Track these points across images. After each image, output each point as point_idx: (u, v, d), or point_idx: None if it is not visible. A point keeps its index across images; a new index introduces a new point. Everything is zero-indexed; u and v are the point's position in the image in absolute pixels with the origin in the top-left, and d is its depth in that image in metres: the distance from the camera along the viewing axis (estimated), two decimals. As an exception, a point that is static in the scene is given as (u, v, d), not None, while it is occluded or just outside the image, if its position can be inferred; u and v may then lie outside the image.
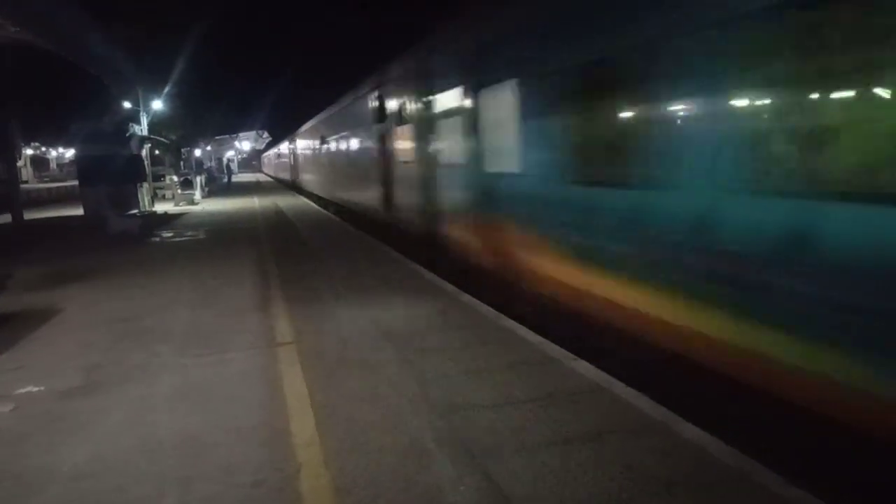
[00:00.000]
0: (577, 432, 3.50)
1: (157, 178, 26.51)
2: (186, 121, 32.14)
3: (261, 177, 62.26)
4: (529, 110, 5.85)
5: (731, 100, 3.55)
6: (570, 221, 5.26)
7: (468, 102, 7.32)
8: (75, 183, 24.14)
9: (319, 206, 21.72)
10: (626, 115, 4.64)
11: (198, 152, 45.31)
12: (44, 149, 74.81)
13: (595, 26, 4.84)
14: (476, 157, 7.16)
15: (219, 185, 38.17)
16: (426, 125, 9.06)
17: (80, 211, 17.66)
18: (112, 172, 16.99)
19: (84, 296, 7.80)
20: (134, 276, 9.09)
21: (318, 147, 22.88)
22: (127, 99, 23.09)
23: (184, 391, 4.41)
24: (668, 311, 4.08)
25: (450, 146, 8.19)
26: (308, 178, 28.28)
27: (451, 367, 4.63)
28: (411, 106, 9.83)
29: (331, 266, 9.20)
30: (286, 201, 24.31)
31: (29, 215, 17.54)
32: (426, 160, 9.16)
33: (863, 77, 2.85)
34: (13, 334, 6.05)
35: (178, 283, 8.41)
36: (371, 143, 13.08)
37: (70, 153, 58.88)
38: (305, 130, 27.92)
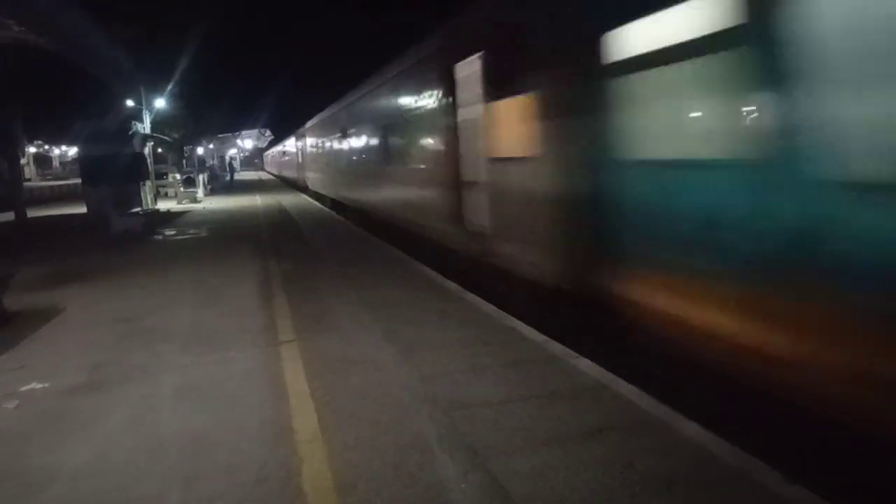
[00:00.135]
0: (579, 430, 3.50)
1: (160, 176, 26.61)
2: (189, 119, 32.16)
3: (263, 175, 62.28)
4: None
5: None
6: None
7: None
8: (78, 181, 24.22)
9: (340, 214, 17.70)
10: None
11: (200, 150, 45.35)
12: (47, 147, 74.98)
13: None
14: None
15: (221, 184, 38.27)
16: (590, 89, 4.67)
17: (82, 209, 17.69)
18: (115, 171, 17.01)
19: (86, 295, 7.83)
20: (136, 275, 9.12)
21: (336, 141, 18.53)
22: (130, 97, 23.12)
23: (186, 390, 4.43)
24: None
25: (674, 121, 4.03)
26: (322, 179, 23.24)
27: (454, 365, 4.64)
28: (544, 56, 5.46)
29: (332, 265, 9.21)
30: (289, 200, 24.34)
31: (32, 213, 17.59)
32: (578, 152, 4.94)
33: None
34: (16, 333, 6.08)
35: (181, 282, 8.43)
36: (432, 131, 8.82)
37: (73, 151, 58.99)
38: (319, 122, 22.91)
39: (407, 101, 10.25)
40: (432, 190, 8.85)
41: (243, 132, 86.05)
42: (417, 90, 9.52)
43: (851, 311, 2.77)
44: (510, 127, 6.17)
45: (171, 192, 26.44)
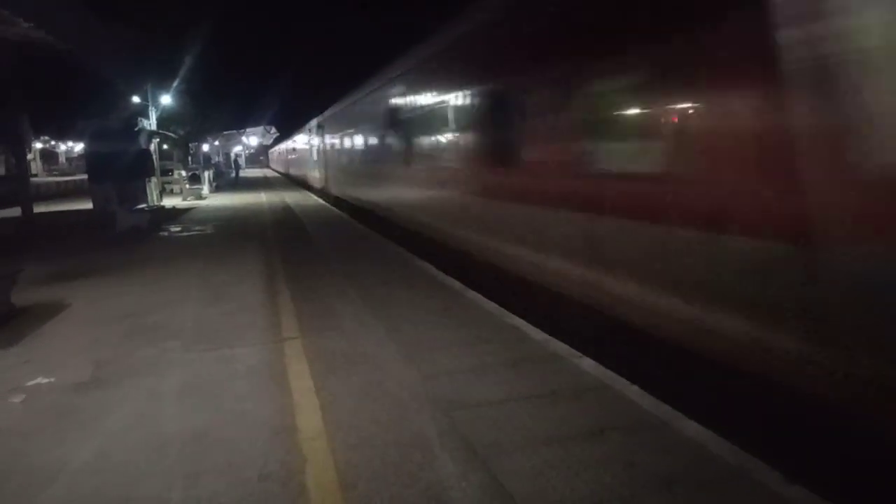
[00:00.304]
0: (580, 429, 3.52)
1: (165, 172, 26.66)
2: (194, 116, 32.29)
3: (268, 172, 62.39)
4: None
5: None
6: None
7: None
8: (84, 177, 24.28)
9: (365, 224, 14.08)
10: None
11: (205, 147, 45.47)
12: (53, 142, 75.29)
13: None
14: None
15: (226, 180, 38.33)
16: None
17: (88, 205, 17.77)
18: (120, 167, 17.05)
19: (91, 291, 7.87)
20: (141, 272, 9.16)
21: (378, 131, 12.91)
22: (136, 94, 23.20)
23: (190, 387, 4.45)
24: None
25: None
26: (355, 183, 16.77)
27: (456, 364, 4.65)
28: None
29: (335, 262, 9.24)
30: (294, 197, 24.37)
31: (38, 209, 17.65)
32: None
33: None
34: (22, 328, 6.12)
35: (185, 279, 8.47)
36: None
37: (79, 147, 59.21)
38: (349, 107, 16.56)
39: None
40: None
41: (248, 129, 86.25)
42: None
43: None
44: None
45: (176, 188, 26.53)
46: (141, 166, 19.06)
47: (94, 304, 7.18)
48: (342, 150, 18.79)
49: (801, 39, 3.02)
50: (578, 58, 5.08)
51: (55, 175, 58.54)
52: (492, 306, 6.27)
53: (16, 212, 14.64)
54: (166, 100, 25.12)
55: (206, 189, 26.57)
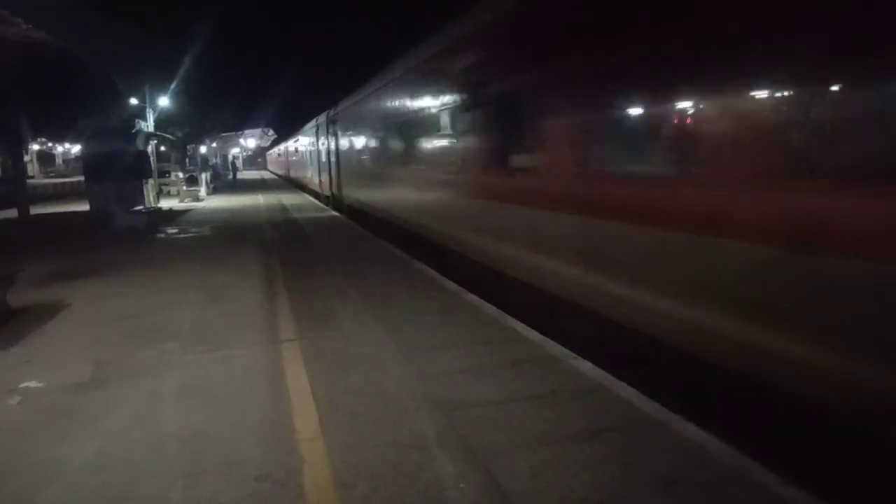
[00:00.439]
0: (578, 430, 3.52)
1: (163, 174, 26.62)
2: (192, 118, 32.21)
3: (266, 174, 62.36)
4: None
5: None
6: None
7: None
8: (81, 178, 24.26)
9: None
10: None
11: (203, 149, 45.44)
12: (50, 144, 75.11)
13: None
14: None
15: (224, 182, 38.32)
16: None
17: (85, 207, 17.74)
18: (118, 169, 17.04)
19: (90, 292, 7.86)
20: (139, 273, 9.15)
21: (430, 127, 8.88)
22: (133, 96, 23.17)
23: (188, 387, 4.45)
24: None
25: None
26: (387, 193, 12.36)
27: (454, 365, 4.66)
28: None
29: (333, 263, 9.24)
30: (291, 199, 24.38)
31: (35, 210, 17.63)
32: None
33: None
34: (21, 329, 6.11)
35: (184, 280, 8.46)
36: None
37: (76, 149, 59.10)
38: (381, 92, 12.06)
39: None
40: None
41: (246, 131, 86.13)
42: None
43: None
44: None
45: (173, 190, 26.48)
46: (138, 168, 19.04)
47: (92, 305, 7.17)
48: (365, 150, 14.21)
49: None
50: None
51: (52, 177, 58.36)
52: (490, 308, 6.27)
53: (12, 213, 14.63)
54: (164, 101, 25.08)
55: (203, 191, 26.53)
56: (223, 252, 11.04)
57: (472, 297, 6.77)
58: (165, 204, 22.26)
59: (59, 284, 8.25)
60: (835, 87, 3.01)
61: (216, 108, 37.65)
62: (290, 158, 39.37)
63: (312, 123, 24.47)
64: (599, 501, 2.83)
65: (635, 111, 4.52)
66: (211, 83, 32.20)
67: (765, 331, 3.30)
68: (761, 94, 3.37)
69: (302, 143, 30.11)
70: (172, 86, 25.46)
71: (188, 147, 35.59)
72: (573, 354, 4.79)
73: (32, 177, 50.05)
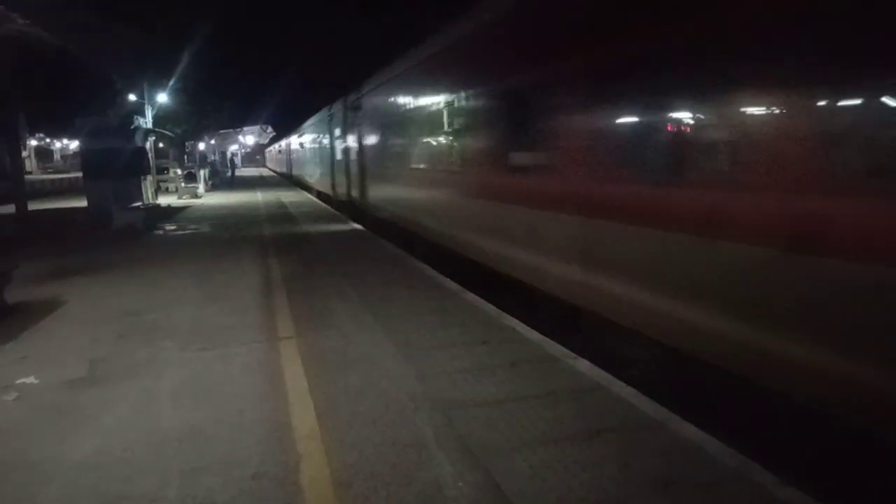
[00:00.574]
0: (577, 430, 3.52)
1: (161, 171, 26.58)
2: (191, 115, 32.14)
3: (265, 171, 62.29)
4: None
5: None
6: None
7: None
8: (79, 174, 24.17)
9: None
10: None
11: (202, 146, 45.35)
12: (48, 140, 74.99)
13: None
14: None
15: (222, 179, 38.27)
16: None
17: (83, 203, 17.69)
18: (116, 165, 16.99)
19: (87, 289, 7.84)
20: (137, 270, 9.13)
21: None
22: (132, 92, 23.14)
23: (186, 385, 4.44)
24: None
25: None
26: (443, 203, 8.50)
27: (453, 364, 4.65)
28: None
29: (332, 262, 9.23)
30: (289, 196, 24.35)
31: (33, 207, 17.57)
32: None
33: None
34: (17, 326, 6.09)
35: (181, 278, 8.44)
36: None
37: (74, 145, 58.96)
38: (429, 63, 8.82)
39: None
40: None
41: (245, 128, 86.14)
42: None
43: None
44: None
45: (172, 187, 26.44)
46: (136, 164, 19.00)
47: (90, 302, 7.14)
48: (414, 144, 10.10)
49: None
50: None
51: (50, 173, 58.24)
52: (489, 307, 6.27)
53: (10, 209, 14.59)
54: (163, 98, 25.04)
55: (201, 188, 26.53)
56: (222, 249, 11.01)
57: (471, 296, 6.76)
58: (164, 201, 22.23)
59: (56, 281, 8.23)
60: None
61: (215, 106, 37.51)
62: (291, 156, 36.16)
63: (324, 114, 20.96)
64: (598, 501, 2.83)
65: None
66: (210, 81, 32.08)
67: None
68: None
69: (308, 137, 26.23)
70: (171, 83, 25.42)
71: (187, 144, 35.54)
72: (571, 354, 4.78)
73: (30, 172, 49.97)
